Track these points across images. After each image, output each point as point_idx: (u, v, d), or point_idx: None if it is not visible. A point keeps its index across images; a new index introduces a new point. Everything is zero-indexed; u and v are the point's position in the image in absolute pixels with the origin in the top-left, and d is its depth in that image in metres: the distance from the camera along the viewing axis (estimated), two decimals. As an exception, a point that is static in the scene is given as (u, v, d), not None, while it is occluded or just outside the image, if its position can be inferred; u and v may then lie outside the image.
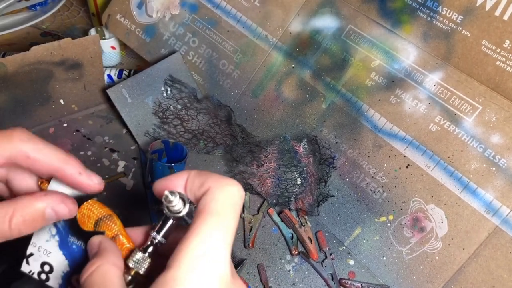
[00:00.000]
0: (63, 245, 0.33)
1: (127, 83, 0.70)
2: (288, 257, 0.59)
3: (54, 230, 0.33)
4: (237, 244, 0.60)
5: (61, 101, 0.73)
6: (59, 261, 0.33)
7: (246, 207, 0.64)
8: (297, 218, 0.62)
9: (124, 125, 0.72)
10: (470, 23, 0.56)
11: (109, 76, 0.82)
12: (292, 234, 0.61)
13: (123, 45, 0.88)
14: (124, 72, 0.82)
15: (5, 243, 0.28)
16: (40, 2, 1.01)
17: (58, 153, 0.30)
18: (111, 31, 0.84)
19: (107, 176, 0.66)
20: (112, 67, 0.86)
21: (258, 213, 0.64)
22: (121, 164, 0.68)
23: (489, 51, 0.55)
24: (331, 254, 0.60)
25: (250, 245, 0.59)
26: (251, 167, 0.65)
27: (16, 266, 0.43)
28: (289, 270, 0.58)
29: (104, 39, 0.87)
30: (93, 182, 0.31)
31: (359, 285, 0.56)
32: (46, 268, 0.33)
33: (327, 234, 0.63)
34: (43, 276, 0.33)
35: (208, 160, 0.71)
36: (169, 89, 0.73)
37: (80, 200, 0.33)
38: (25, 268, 0.33)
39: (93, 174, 0.32)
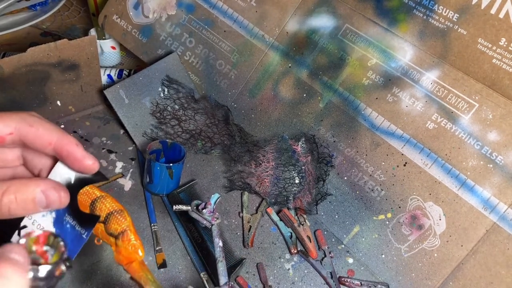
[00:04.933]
0: (58, 222, 0.33)
1: (124, 84, 0.70)
2: (287, 256, 0.59)
3: None
4: (236, 243, 0.60)
5: (58, 102, 0.73)
6: None
7: (245, 207, 0.64)
8: (296, 217, 0.62)
9: (122, 126, 0.72)
10: (466, 21, 0.56)
11: (109, 76, 0.81)
12: (291, 233, 0.62)
13: (123, 45, 0.88)
14: (124, 72, 0.82)
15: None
16: (40, 2, 1.00)
17: (58, 128, 0.32)
18: (108, 32, 0.84)
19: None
20: (112, 67, 0.86)
21: (256, 213, 0.64)
22: (119, 165, 0.68)
23: (485, 49, 0.55)
24: (330, 253, 0.60)
25: (249, 244, 0.59)
26: (249, 166, 0.65)
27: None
28: (289, 269, 0.58)
29: (104, 39, 0.87)
30: (89, 157, 0.32)
31: (358, 283, 0.56)
32: None
33: (325, 232, 0.63)
34: None
35: (206, 160, 0.71)
36: (166, 90, 0.73)
37: (84, 183, 0.33)
38: (15, 239, 0.33)
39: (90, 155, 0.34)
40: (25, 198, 0.29)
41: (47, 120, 0.32)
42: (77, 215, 0.33)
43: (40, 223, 0.33)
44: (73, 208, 0.33)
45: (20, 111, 0.32)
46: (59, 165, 0.33)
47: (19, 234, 0.33)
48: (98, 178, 0.33)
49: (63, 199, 0.31)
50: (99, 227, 0.35)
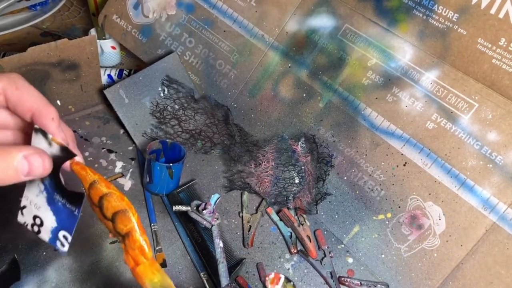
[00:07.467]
0: (50, 201, 0.34)
1: (124, 84, 0.70)
2: (287, 255, 0.59)
3: (42, 186, 0.34)
4: (236, 243, 0.60)
5: (58, 102, 0.73)
6: (47, 216, 0.34)
7: (245, 207, 0.64)
8: (296, 217, 0.62)
9: (122, 125, 0.72)
10: (466, 21, 0.56)
11: (109, 76, 0.82)
12: (291, 233, 0.62)
13: (123, 45, 0.88)
14: (125, 72, 0.82)
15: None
16: (41, 2, 1.00)
17: (41, 97, 0.33)
18: (107, 32, 0.84)
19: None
20: (112, 67, 0.86)
21: (256, 212, 0.64)
22: (119, 164, 0.68)
23: (485, 49, 0.55)
24: (330, 252, 0.60)
25: (249, 244, 0.59)
26: (249, 166, 0.65)
27: (15, 267, 0.44)
28: (288, 269, 0.58)
29: (104, 39, 0.87)
30: (59, 135, 0.33)
31: (358, 282, 0.56)
32: (38, 221, 0.34)
33: (325, 232, 0.63)
34: (35, 228, 0.34)
35: (206, 160, 0.71)
36: (166, 89, 0.73)
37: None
38: (20, 219, 0.35)
39: (67, 129, 0.34)
40: (8, 162, 0.28)
41: (33, 87, 0.32)
42: (64, 193, 0.33)
43: (36, 202, 0.34)
44: (57, 186, 0.33)
45: (8, 72, 0.32)
46: (37, 137, 0.33)
47: (22, 213, 0.34)
48: (66, 155, 0.33)
49: (47, 165, 0.31)
50: (110, 225, 0.35)
